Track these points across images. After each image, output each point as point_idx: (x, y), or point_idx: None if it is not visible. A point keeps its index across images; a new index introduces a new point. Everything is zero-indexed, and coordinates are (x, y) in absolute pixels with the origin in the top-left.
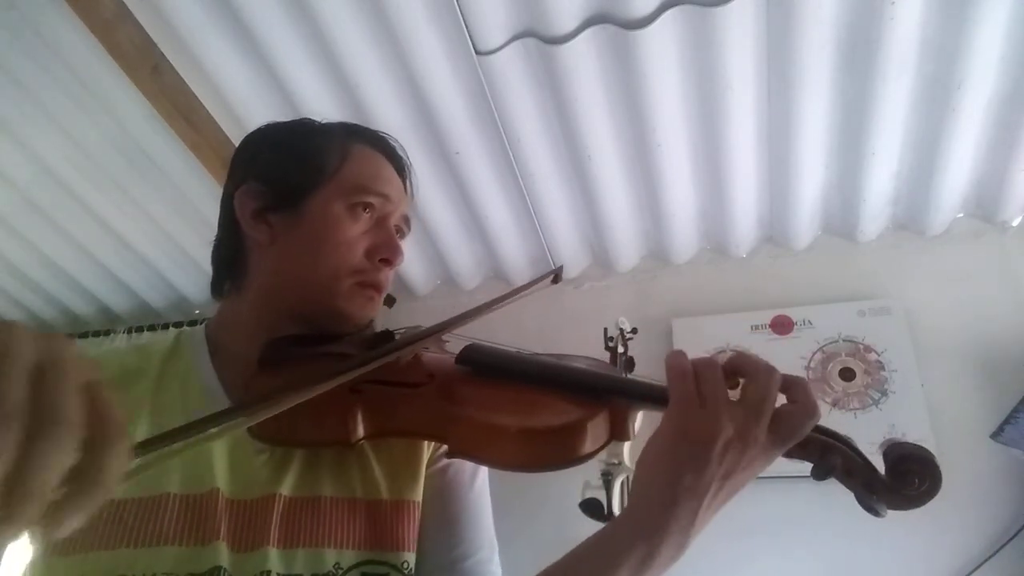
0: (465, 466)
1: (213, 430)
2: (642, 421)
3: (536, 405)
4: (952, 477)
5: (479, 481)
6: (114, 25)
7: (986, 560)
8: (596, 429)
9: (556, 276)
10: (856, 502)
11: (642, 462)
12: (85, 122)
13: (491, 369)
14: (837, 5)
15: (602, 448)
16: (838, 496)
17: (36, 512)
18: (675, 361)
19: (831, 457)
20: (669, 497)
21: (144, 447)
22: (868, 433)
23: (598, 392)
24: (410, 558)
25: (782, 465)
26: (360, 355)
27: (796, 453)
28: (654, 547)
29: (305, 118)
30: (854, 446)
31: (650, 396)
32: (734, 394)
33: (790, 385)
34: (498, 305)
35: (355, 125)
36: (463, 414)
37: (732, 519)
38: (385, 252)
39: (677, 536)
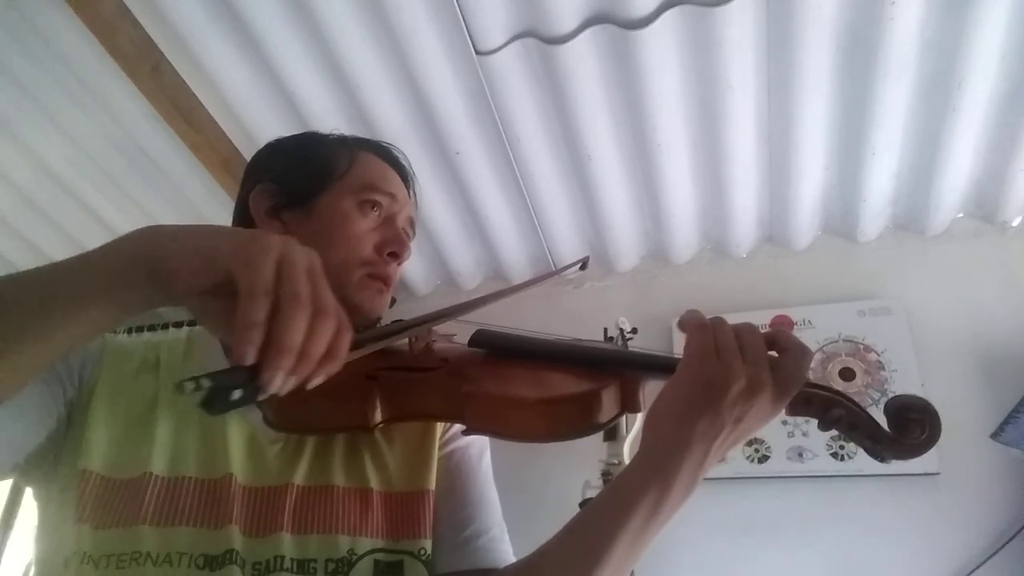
0: (470, 450)
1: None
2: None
3: (549, 378)
4: (952, 477)
5: (484, 463)
6: (114, 25)
7: (986, 560)
8: (608, 399)
9: (584, 264)
10: (866, 454)
11: (656, 409)
12: (85, 122)
13: (503, 349)
14: (837, 5)
15: (615, 419)
16: (838, 496)
17: (311, 371)
18: (693, 315)
19: (834, 410)
20: (684, 440)
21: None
22: None
23: (607, 364)
24: (427, 544)
25: (782, 465)
26: (375, 330)
27: (802, 410)
28: (668, 487)
29: (313, 131)
30: (855, 401)
31: (658, 366)
32: None
33: (773, 337)
34: (526, 289)
35: (361, 137)
36: (479, 390)
37: (733, 518)
38: (393, 246)
39: (688, 477)
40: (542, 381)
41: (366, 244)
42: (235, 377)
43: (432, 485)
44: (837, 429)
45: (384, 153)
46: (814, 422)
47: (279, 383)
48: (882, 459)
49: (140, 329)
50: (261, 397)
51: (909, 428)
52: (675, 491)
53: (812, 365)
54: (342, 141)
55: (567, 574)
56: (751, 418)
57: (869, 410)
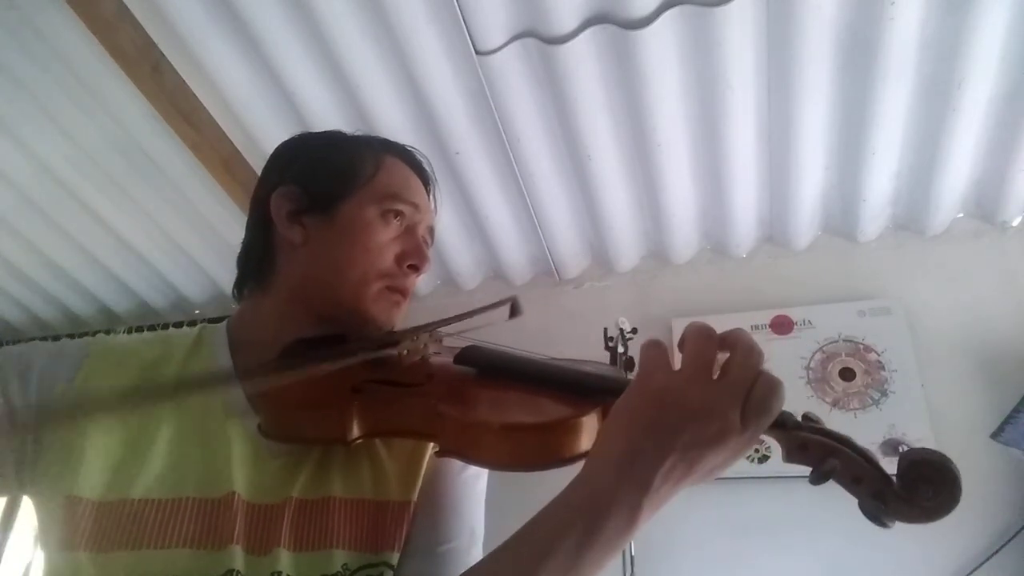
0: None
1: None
2: None
3: (526, 404)
4: None
5: (469, 473)
6: (114, 25)
7: (986, 560)
8: (588, 429)
9: (513, 309)
10: (860, 510)
11: (603, 425)
12: (85, 122)
13: (487, 368)
14: (837, 5)
15: None
16: (838, 496)
17: None
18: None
19: (830, 460)
20: (620, 457)
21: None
22: (868, 433)
23: (591, 392)
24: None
25: (782, 465)
26: (347, 346)
27: (797, 457)
28: (600, 514)
29: (338, 130)
30: (862, 449)
31: None
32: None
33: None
34: (449, 326)
35: (387, 139)
36: (450, 412)
37: (732, 518)
38: (413, 258)
39: (625, 506)
40: (518, 406)
41: (387, 255)
42: None
43: (415, 496)
44: (838, 481)
45: (408, 158)
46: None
47: None
48: (881, 523)
49: (140, 329)
50: None
51: (920, 487)
52: (609, 521)
53: (812, 365)
54: (367, 143)
55: None
56: (707, 449)
57: (868, 411)
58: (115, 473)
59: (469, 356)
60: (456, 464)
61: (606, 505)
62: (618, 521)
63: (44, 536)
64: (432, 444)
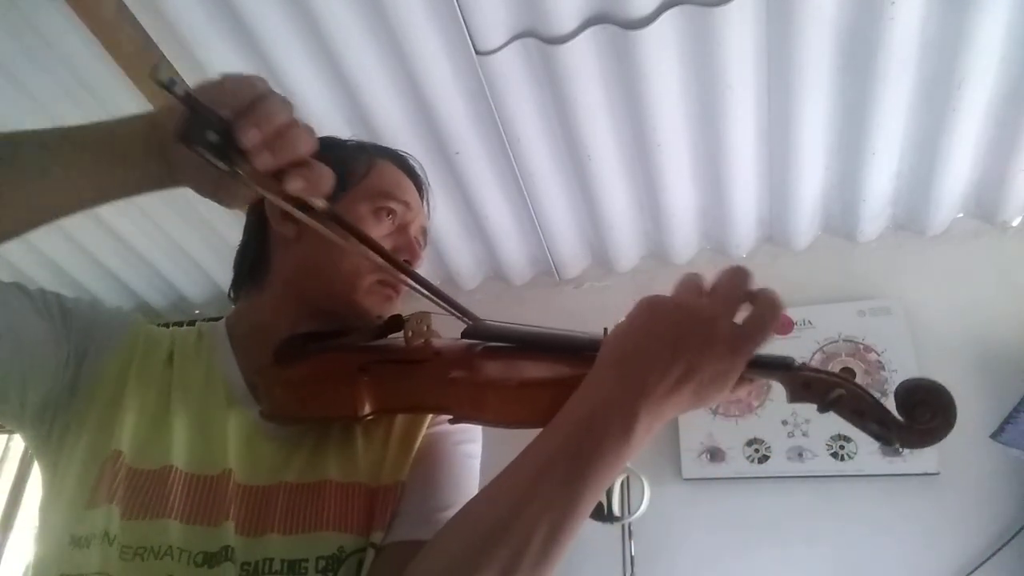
0: (452, 436)
1: None
2: None
3: (535, 366)
4: (952, 477)
5: (463, 450)
6: (114, 25)
7: (986, 560)
8: None
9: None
10: (870, 437)
11: (604, 341)
12: (85, 122)
13: (494, 339)
14: (837, 5)
15: None
16: (838, 496)
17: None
18: None
19: (835, 390)
20: (617, 361)
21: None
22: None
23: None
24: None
25: (782, 465)
26: (353, 335)
27: (801, 394)
28: (596, 420)
29: (332, 136)
30: (861, 386)
31: None
32: None
33: (755, 293)
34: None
35: (380, 145)
36: (463, 377)
37: (732, 518)
38: (405, 254)
39: (622, 409)
40: (528, 368)
41: None
42: (214, 118)
43: (404, 476)
44: (840, 414)
45: (400, 162)
46: (814, 422)
47: (252, 140)
48: (890, 444)
49: None
50: (234, 151)
51: (917, 412)
52: (610, 423)
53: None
54: (360, 147)
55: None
56: (705, 367)
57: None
58: (145, 439)
59: (474, 331)
60: (452, 436)
61: (602, 410)
62: (615, 428)
63: (76, 485)
64: (433, 420)
